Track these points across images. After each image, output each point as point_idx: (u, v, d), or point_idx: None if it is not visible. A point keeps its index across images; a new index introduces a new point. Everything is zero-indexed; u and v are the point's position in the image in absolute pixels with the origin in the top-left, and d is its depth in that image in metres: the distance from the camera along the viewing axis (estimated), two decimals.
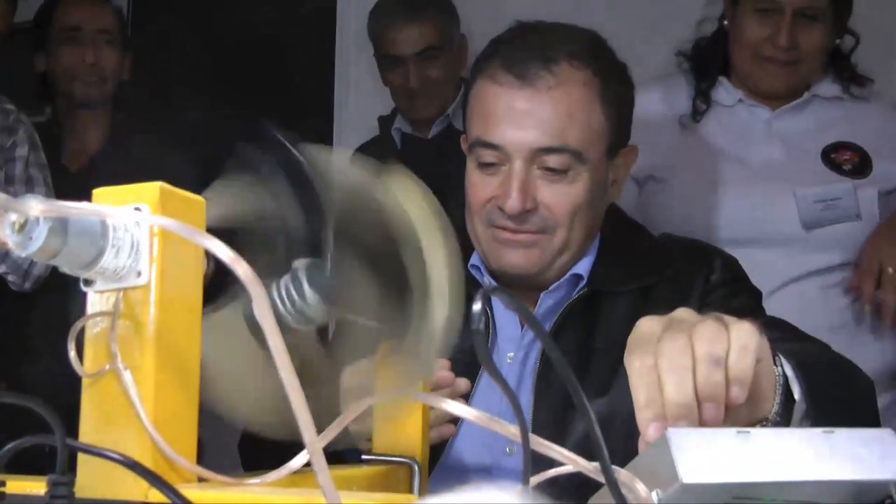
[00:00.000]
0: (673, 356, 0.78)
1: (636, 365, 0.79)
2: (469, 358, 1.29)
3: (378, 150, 2.55)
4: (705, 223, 1.86)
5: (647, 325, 0.83)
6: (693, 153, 1.92)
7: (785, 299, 1.77)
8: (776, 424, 0.87)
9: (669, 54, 2.03)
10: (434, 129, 2.57)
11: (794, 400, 0.90)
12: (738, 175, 1.87)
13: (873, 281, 1.76)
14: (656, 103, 1.97)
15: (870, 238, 1.80)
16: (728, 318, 0.83)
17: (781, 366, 0.91)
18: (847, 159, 1.87)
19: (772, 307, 1.43)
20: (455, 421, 1.22)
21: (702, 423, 0.77)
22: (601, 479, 0.58)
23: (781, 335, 1.08)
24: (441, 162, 2.45)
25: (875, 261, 1.77)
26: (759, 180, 1.85)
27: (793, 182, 1.83)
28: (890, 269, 1.76)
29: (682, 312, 0.84)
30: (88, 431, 0.57)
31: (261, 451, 0.68)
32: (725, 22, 1.92)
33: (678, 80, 1.99)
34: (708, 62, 1.96)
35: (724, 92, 1.94)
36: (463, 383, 1.18)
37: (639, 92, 1.87)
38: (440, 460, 1.28)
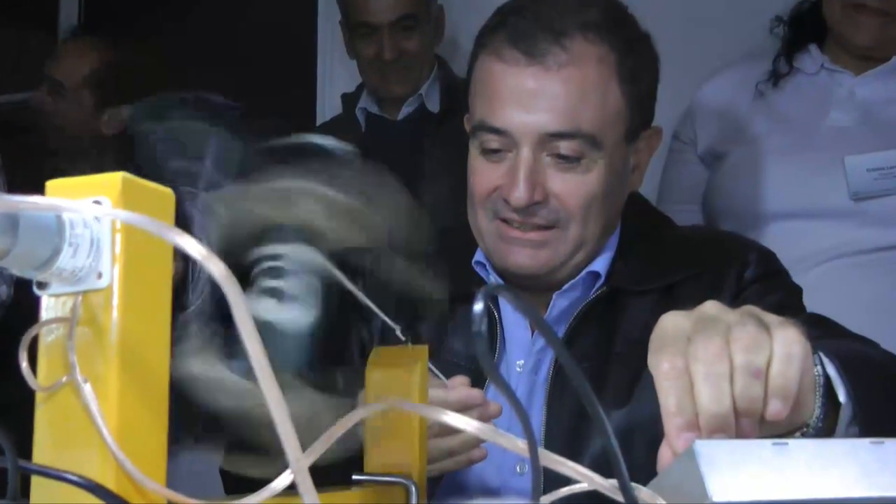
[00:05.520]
0: (708, 361, 0.77)
1: (664, 367, 0.78)
2: (474, 365, 1.30)
3: (340, 130, 2.52)
4: (753, 196, 1.91)
5: (672, 322, 0.82)
6: (760, 124, 1.97)
7: (827, 276, 1.79)
8: (818, 431, 0.86)
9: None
10: (404, 111, 2.57)
11: (838, 403, 0.90)
12: (800, 145, 1.90)
13: None
14: (734, 78, 2.05)
15: None
16: (768, 318, 0.82)
17: (822, 365, 0.90)
18: None
19: (811, 283, 1.44)
20: None
21: (736, 437, 0.77)
22: (620, 498, 0.58)
23: (823, 333, 1.07)
24: (411, 147, 2.44)
25: None
26: (821, 150, 1.88)
27: (857, 151, 1.85)
28: None
29: (712, 307, 0.84)
30: (44, 451, 0.57)
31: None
32: None
33: (765, 53, 2.05)
34: (802, 27, 2.01)
35: (809, 59, 1.98)
36: (494, 407, 1.16)
37: (721, 71, 1.90)
38: (442, 482, 1.28)
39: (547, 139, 1.30)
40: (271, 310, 0.72)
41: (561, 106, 1.30)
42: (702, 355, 0.77)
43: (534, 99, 1.30)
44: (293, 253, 0.75)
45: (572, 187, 1.32)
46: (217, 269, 0.49)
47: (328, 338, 0.86)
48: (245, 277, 0.72)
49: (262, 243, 0.76)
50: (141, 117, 0.81)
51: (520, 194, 1.29)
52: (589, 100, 1.31)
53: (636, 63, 1.36)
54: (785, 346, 0.78)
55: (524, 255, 1.34)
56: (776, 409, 0.77)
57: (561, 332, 1.34)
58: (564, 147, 1.30)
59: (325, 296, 0.78)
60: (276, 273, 0.74)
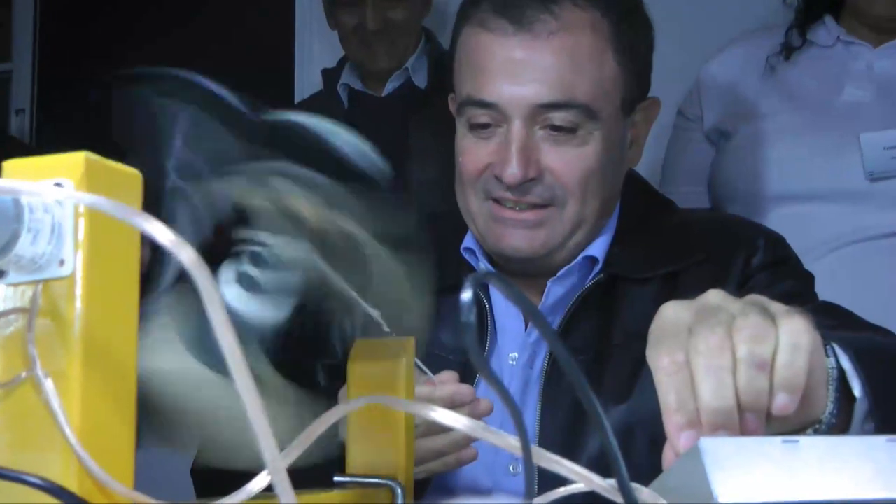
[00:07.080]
0: (710, 354, 0.77)
1: (664, 361, 0.79)
2: (463, 359, 1.30)
3: (320, 108, 2.51)
4: (762, 177, 1.91)
5: (672, 313, 0.82)
6: (770, 101, 1.97)
7: (841, 263, 1.79)
8: (831, 427, 0.86)
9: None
10: (389, 86, 2.56)
11: (853, 398, 0.90)
12: (813, 122, 1.90)
13: None
14: (743, 51, 2.04)
15: None
16: (774, 308, 0.82)
17: (835, 357, 0.90)
18: None
19: (824, 271, 1.45)
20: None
21: (741, 433, 0.77)
22: (619, 499, 0.58)
23: (837, 323, 1.08)
24: (397, 125, 2.42)
25: None
26: (835, 127, 1.88)
27: (874, 128, 1.85)
28: None
29: (714, 296, 0.84)
30: (1, 451, 0.57)
31: (219, 475, 0.68)
32: None
33: (776, 26, 2.04)
34: None
35: (825, 31, 1.97)
36: (485, 404, 1.16)
37: (729, 45, 1.93)
38: (430, 483, 1.28)
39: (539, 111, 1.30)
40: (239, 298, 0.71)
41: (552, 76, 1.30)
42: (703, 348, 0.77)
43: (523, 69, 1.30)
44: (279, 244, 0.74)
45: (568, 161, 1.32)
46: (187, 256, 0.49)
47: (306, 331, 0.86)
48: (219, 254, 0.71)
49: (247, 225, 0.75)
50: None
51: (513, 170, 1.29)
52: (582, 68, 1.31)
53: (630, 29, 1.36)
54: (792, 336, 0.78)
55: (519, 237, 1.34)
56: (783, 402, 0.77)
57: (556, 322, 1.35)
58: (559, 118, 1.30)
59: (303, 289, 0.77)
60: (256, 260, 0.73)
